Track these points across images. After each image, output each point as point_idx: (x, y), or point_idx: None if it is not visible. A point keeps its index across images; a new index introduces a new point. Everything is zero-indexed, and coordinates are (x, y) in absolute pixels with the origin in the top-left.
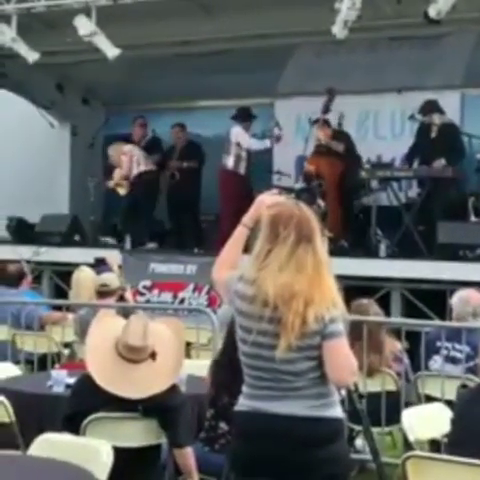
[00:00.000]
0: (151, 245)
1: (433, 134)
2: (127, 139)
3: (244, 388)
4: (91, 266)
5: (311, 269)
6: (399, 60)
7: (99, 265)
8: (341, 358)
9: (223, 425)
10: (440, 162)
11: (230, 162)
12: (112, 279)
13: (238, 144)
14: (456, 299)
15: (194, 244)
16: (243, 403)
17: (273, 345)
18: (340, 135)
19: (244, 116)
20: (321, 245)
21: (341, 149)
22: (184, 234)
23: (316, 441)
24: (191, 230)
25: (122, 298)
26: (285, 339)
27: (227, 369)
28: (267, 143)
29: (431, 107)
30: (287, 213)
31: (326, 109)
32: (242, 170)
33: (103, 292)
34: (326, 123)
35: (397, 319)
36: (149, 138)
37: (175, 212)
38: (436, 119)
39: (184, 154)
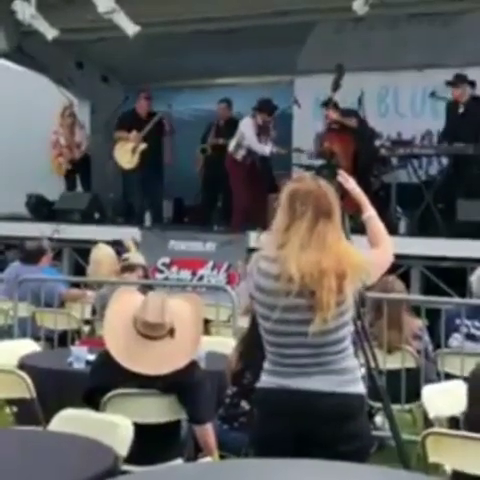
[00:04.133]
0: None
1: (461, 110)
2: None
3: (267, 365)
4: (109, 244)
5: (335, 245)
6: (419, 37)
7: (116, 247)
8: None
9: (244, 404)
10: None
11: (231, 146)
12: (135, 255)
13: (243, 134)
14: (475, 277)
15: (221, 221)
16: (266, 380)
17: (303, 321)
18: (349, 113)
19: (262, 108)
20: (339, 221)
21: (354, 123)
22: (211, 211)
23: (340, 417)
24: (221, 207)
25: (146, 276)
26: (320, 316)
27: (254, 347)
28: (267, 150)
29: (461, 80)
30: (305, 189)
31: (336, 86)
32: (239, 157)
33: (124, 267)
34: (335, 106)
35: (417, 296)
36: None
37: (208, 189)
38: (464, 94)
39: (222, 131)
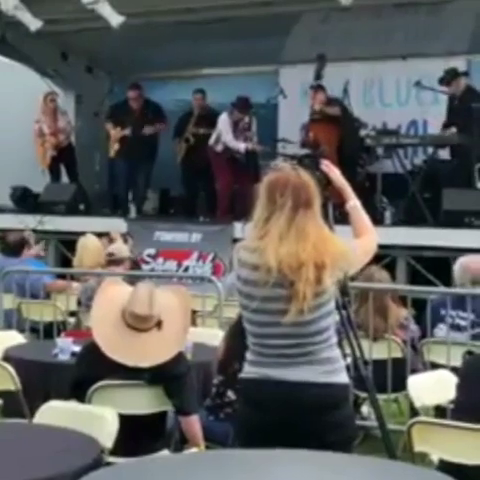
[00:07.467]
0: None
1: (456, 101)
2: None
3: (249, 355)
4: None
5: (314, 235)
6: (404, 27)
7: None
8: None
9: (230, 394)
10: (450, 130)
11: (212, 139)
12: (120, 248)
13: (220, 130)
14: (457, 266)
15: (206, 212)
16: (250, 370)
17: (283, 311)
18: (333, 101)
19: (237, 105)
20: (319, 210)
21: (337, 111)
22: (196, 201)
23: (326, 407)
24: (205, 197)
25: (137, 265)
26: (295, 306)
27: (241, 337)
28: (241, 147)
29: (453, 75)
30: (283, 179)
31: (318, 76)
32: (219, 148)
33: (111, 261)
34: (321, 88)
35: (402, 286)
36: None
37: (189, 179)
38: (458, 87)
39: (201, 121)
